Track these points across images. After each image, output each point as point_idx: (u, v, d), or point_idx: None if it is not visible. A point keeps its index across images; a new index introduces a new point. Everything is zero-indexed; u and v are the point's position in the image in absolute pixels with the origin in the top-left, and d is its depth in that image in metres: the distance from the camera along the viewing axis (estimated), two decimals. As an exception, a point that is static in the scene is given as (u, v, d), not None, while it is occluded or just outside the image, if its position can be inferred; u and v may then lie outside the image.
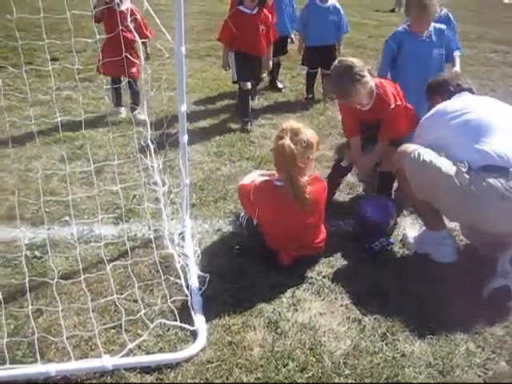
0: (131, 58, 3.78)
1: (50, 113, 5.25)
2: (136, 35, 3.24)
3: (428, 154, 3.06)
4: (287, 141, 2.88)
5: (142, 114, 5.08)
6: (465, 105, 3.20)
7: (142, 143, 2.80)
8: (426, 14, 4.12)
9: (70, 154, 4.42)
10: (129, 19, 4.12)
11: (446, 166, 2.97)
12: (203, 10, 14.08)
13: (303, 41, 6.48)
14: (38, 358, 2.32)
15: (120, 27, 3.37)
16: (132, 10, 4.67)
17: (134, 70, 5.17)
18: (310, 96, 6.67)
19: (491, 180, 2.83)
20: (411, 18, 4.26)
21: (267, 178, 3.21)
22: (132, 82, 5.39)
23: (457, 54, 4.48)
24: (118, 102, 5.57)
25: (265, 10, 5.35)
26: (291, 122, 3.05)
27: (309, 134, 3.00)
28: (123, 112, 5.48)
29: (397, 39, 4.28)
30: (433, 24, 4.27)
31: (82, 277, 2.70)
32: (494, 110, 3.20)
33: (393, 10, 17.94)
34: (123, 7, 4.75)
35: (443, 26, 4.34)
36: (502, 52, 10.96)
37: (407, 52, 4.21)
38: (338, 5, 6.39)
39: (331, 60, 4.90)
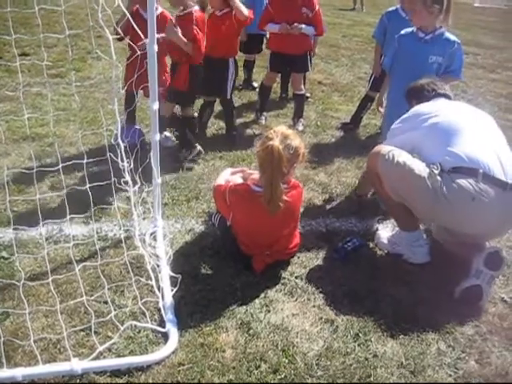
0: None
1: (19, 109, 5.15)
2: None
3: (402, 156, 3.08)
4: (277, 143, 2.83)
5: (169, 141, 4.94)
6: (437, 108, 3.25)
7: (113, 142, 2.75)
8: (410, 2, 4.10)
9: (39, 151, 4.33)
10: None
11: (419, 167, 3.00)
12: (177, 6, 13.96)
13: None
14: (4, 362, 2.26)
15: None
16: (164, 16, 4.49)
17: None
18: (284, 95, 6.69)
19: (462, 182, 2.86)
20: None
21: (244, 180, 3.18)
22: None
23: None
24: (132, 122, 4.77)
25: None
26: (282, 127, 3.03)
27: (297, 142, 2.97)
28: None
29: (399, 38, 4.19)
30: (443, 32, 4.03)
31: (51, 278, 2.62)
32: (466, 114, 3.25)
33: (353, 9, 18.25)
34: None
35: (453, 38, 4.05)
36: (473, 54, 11.17)
37: (402, 48, 4.13)
38: None
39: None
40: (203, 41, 4.25)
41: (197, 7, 4.24)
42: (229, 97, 5.01)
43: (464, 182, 2.86)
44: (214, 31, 4.70)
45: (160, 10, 4.52)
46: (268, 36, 6.46)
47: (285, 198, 2.93)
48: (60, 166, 2.73)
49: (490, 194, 2.85)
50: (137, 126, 4.73)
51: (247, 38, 6.54)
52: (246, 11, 4.64)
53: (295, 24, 5.12)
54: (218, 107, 5.38)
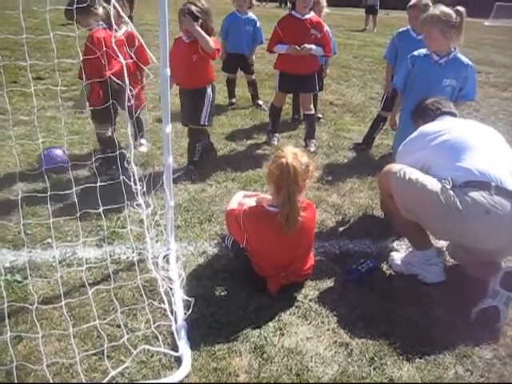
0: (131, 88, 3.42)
1: (34, 132, 5.20)
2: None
3: (414, 173, 3.07)
4: (290, 159, 2.87)
5: (144, 146, 5.04)
6: (445, 127, 3.26)
7: (126, 164, 2.76)
8: (426, 30, 4.05)
9: (53, 175, 4.36)
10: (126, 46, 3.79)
11: (432, 183, 2.98)
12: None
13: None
14: (17, 386, 2.25)
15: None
16: (131, 35, 4.47)
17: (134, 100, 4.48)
18: (296, 116, 6.72)
19: (475, 195, 2.85)
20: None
21: (258, 203, 3.19)
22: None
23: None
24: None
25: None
26: (289, 146, 3.07)
27: (306, 158, 3.01)
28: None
29: (413, 59, 4.22)
30: (457, 54, 4.09)
31: (64, 301, 2.62)
32: (473, 130, 3.27)
33: (364, 30, 18.67)
34: (120, 33, 4.31)
35: (466, 62, 4.09)
36: (485, 73, 11.17)
37: (416, 70, 4.16)
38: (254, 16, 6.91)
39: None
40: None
41: (101, 26, 4.01)
42: (202, 122, 4.63)
43: (477, 195, 2.85)
44: (183, 62, 4.38)
45: (125, 29, 4.56)
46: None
47: (302, 213, 2.95)
48: (74, 189, 2.75)
49: (504, 206, 2.83)
50: (58, 150, 4.62)
51: (227, 57, 6.96)
52: (212, 43, 4.27)
53: (305, 45, 5.16)
54: (226, 126, 5.41)
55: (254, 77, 7.21)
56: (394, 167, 3.20)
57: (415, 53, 4.23)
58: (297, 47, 5.16)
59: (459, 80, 4.05)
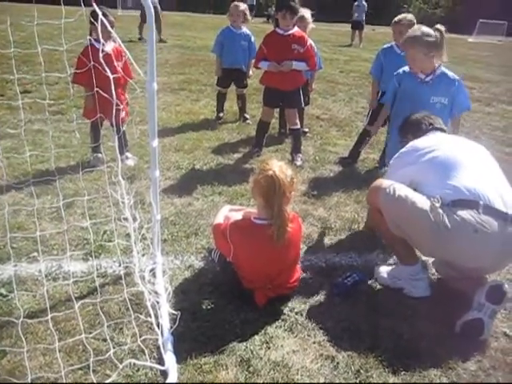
0: (119, 102, 3.39)
1: (20, 146, 5.19)
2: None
3: (403, 190, 3.09)
4: (277, 172, 2.89)
5: (131, 160, 5.06)
6: (435, 143, 3.29)
7: (113, 178, 2.77)
8: (408, 52, 4.07)
9: (39, 188, 4.35)
10: (114, 60, 3.93)
11: (421, 201, 3.00)
12: (178, 43, 14.26)
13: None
14: (1, 402, 2.23)
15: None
16: (118, 50, 4.59)
17: (123, 114, 4.76)
18: (283, 130, 6.75)
19: (463, 214, 2.86)
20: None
21: (244, 217, 3.20)
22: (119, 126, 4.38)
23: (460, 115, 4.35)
24: (97, 148, 5.01)
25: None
26: (273, 159, 3.09)
27: (291, 171, 3.03)
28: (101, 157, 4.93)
29: (399, 77, 4.26)
30: (443, 71, 4.14)
31: (50, 315, 2.60)
32: (463, 147, 3.28)
33: (350, 45, 19.04)
34: (108, 48, 4.44)
35: (453, 76, 4.16)
36: (468, 88, 11.26)
37: (403, 89, 4.20)
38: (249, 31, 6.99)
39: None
40: None
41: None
42: None
43: (466, 213, 2.87)
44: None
45: (113, 44, 4.66)
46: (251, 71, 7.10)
47: (290, 225, 2.97)
48: (61, 203, 2.75)
49: (492, 225, 2.84)
50: None
51: (222, 72, 7.04)
52: None
53: (285, 61, 5.22)
54: (213, 140, 5.41)
55: (244, 91, 7.26)
56: (384, 183, 3.22)
57: (400, 71, 4.27)
58: (276, 64, 5.22)
59: (449, 96, 4.09)
